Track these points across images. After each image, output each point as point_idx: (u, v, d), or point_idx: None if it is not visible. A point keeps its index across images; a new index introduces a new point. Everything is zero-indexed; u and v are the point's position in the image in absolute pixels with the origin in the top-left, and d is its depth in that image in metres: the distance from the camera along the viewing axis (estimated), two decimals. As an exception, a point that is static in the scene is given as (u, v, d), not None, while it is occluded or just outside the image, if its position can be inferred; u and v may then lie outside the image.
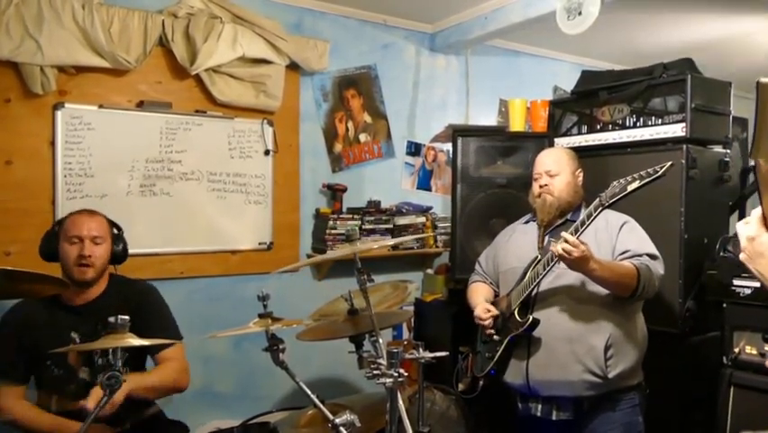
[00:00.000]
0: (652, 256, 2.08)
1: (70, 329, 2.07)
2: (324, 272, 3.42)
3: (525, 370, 2.12)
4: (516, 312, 2.14)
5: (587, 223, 1.96)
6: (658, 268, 2.08)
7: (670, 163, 1.90)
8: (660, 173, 1.87)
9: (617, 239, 2.12)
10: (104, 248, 2.13)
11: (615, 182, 1.94)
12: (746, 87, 5.53)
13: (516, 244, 2.33)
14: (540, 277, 2.07)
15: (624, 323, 2.10)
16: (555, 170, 2.23)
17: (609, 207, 1.95)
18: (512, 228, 2.44)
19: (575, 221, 2.04)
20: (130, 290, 2.24)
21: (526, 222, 2.38)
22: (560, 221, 2.22)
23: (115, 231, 2.23)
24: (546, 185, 2.22)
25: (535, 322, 2.08)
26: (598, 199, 1.96)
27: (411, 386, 2.67)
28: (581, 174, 2.29)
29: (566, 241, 1.88)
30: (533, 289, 2.11)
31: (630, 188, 1.89)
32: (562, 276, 2.09)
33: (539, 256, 2.13)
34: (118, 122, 2.83)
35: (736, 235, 2.58)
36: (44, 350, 1.97)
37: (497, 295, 2.39)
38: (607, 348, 2.04)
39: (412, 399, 2.52)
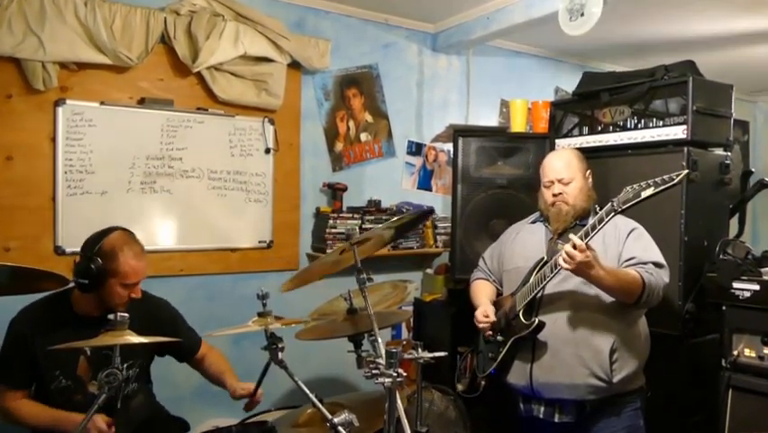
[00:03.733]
0: (657, 265, 2.06)
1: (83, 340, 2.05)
2: (323, 271, 3.42)
3: (529, 372, 2.11)
4: (520, 314, 2.12)
5: (597, 228, 1.93)
6: (663, 276, 2.06)
7: (686, 171, 1.89)
8: (675, 181, 1.84)
9: (624, 245, 2.10)
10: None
11: (628, 187, 1.91)
12: (748, 89, 5.53)
13: (522, 243, 2.31)
14: (547, 280, 2.05)
15: (628, 327, 2.09)
16: (568, 176, 2.18)
17: (621, 212, 1.92)
18: (518, 227, 2.42)
19: (584, 225, 2.01)
20: (152, 305, 2.22)
21: (533, 222, 2.36)
22: (570, 225, 2.18)
23: None
24: (561, 193, 2.17)
25: (541, 325, 2.06)
26: (609, 204, 1.92)
27: (410, 386, 2.67)
28: (591, 175, 2.26)
29: (574, 245, 1.86)
30: (539, 291, 2.09)
31: (644, 194, 1.86)
32: (569, 280, 2.07)
33: (545, 258, 2.11)
34: (119, 119, 2.83)
35: (735, 238, 2.59)
36: (54, 360, 1.96)
37: (499, 293, 2.38)
38: (612, 352, 2.03)
39: (410, 399, 2.52)
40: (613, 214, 1.92)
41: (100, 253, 1.96)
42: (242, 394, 2.19)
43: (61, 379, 2.03)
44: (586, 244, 1.89)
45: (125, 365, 2.07)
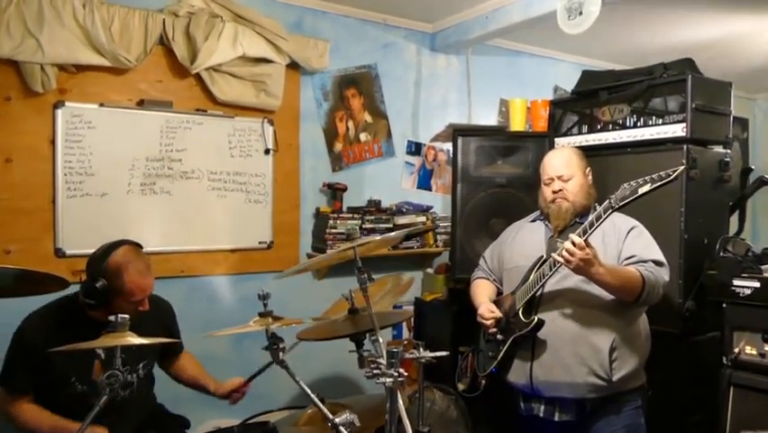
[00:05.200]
0: (657, 263, 2.05)
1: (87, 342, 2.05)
2: (324, 272, 3.42)
3: (528, 370, 2.11)
4: (520, 312, 2.12)
5: (595, 225, 1.93)
6: (663, 275, 2.06)
7: (683, 167, 1.89)
8: (672, 177, 1.84)
9: (624, 244, 2.10)
10: None
11: (625, 184, 1.90)
12: (747, 87, 5.51)
13: (522, 242, 2.30)
14: (546, 278, 2.05)
15: (628, 325, 2.09)
16: (568, 173, 2.18)
17: (619, 209, 1.92)
18: (518, 226, 2.42)
19: (584, 223, 2.00)
20: (161, 309, 2.24)
21: (533, 220, 2.36)
22: (570, 223, 2.18)
23: None
24: (561, 190, 2.17)
25: (540, 323, 2.06)
26: (607, 201, 1.92)
27: (411, 386, 2.67)
28: (590, 172, 2.26)
29: (573, 243, 1.86)
30: (538, 289, 2.09)
31: (641, 191, 1.86)
32: (568, 278, 2.07)
33: (544, 256, 2.11)
34: (118, 120, 2.83)
35: (735, 235, 2.59)
36: (69, 366, 1.95)
37: (500, 293, 2.37)
38: (612, 351, 2.03)
39: (412, 398, 2.52)
40: (611, 211, 1.92)
41: (105, 273, 1.95)
42: (231, 389, 2.21)
43: (77, 385, 2.02)
44: (585, 241, 1.88)
45: (141, 365, 2.09)
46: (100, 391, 1.97)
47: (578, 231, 1.94)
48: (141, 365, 2.12)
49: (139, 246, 2.10)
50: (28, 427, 2.01)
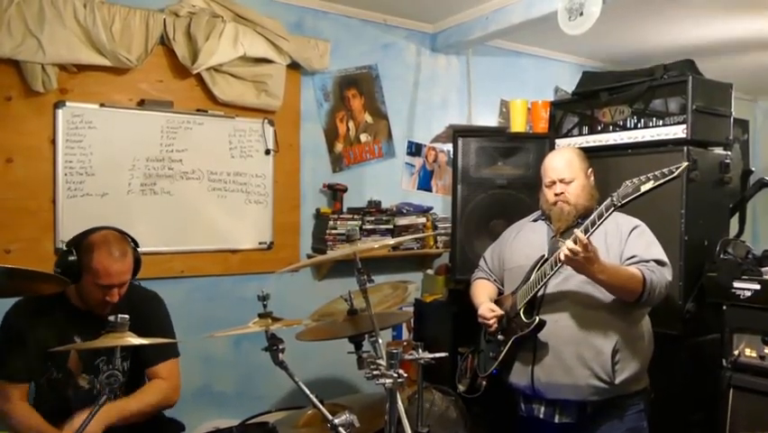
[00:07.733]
0: (659, 262, 2.04)
1: (74, 332, 2.04)
2: (323, 272, 3.42)
3: (530, 371, 2.10)
4: (521, 312, 2.11)
5: (597, 223, 1.92)
6: (665, 274, 2.04)
7: (685, 164, 1.88)
8: (675, 174, 1.83)
9: (626, 244, 2.09)
10: (127, 283, 2.07)
11: (628, 182, 1.89)
12: (747, 88, 5.50)
13: (524, 242, 2.29)
14: (547, 277, 2.04)
15: (631, 328, 2.08)
16: (569, 176, 2.17)
17: (621, 207, 1.90)
18: (519, 225, 2.41)
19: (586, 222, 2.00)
20: (138, 296, 2.20)
21: (535, 220, 2.34)
22: (572, 224, 2.16)
23: (132, 246, 2.11)
24: (562, 193, 2.16)
25: (542, 323, 2.05)
26: (609, 199, 1.91)
27: (410, 387, 2.67)
28: (592, 173, 2.25)
29: (575, 240, 1.84)
30: (539, 289, 2.08)
31: (644, 188, 1.84)
32: (570, 279, 2.06)
33: (545, 255, 2.10)
34: (119, 120, 2.83)
35: (736, 237, 2.59)
36: (46, 351, 1.95)
37: (500, 293, 2.36)
38: (614, 353, 2.01)
39: (411, 399, 2.52)
40: (613, 208, 1.90)
41: (79, 247, 1.99)
42: None
43: (53, 371, 2.03)
44: (587, 238, 1.87)
45: (119, 357, 2.09)
46: (75, 379, 2.00)
47: (580, 229, 1.92)
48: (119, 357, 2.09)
49: (126, 237, 2.09)
50: (15, 428, 2.00)
